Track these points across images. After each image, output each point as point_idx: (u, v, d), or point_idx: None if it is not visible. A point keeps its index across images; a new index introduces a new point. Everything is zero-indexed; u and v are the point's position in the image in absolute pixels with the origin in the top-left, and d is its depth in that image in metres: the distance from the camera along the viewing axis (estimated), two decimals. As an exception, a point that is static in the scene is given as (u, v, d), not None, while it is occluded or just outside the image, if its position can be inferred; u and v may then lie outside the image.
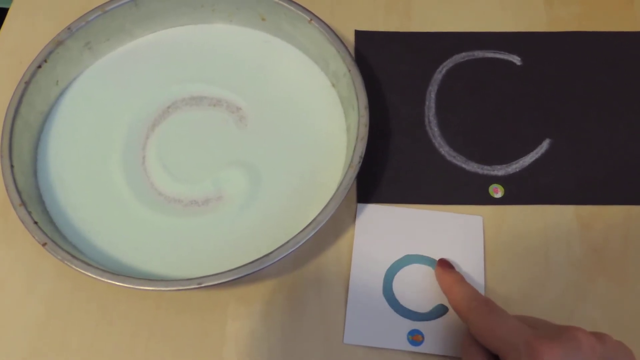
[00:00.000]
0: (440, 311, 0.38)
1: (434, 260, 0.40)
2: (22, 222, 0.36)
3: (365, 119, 0.39)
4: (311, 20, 0.42)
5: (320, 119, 0.43)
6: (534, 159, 0.43)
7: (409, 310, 0.38)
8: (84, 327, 0.38)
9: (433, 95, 0.46)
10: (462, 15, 0.49)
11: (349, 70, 0.41)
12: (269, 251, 0.35)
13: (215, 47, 0.46)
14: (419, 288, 0.39)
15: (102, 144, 0.43)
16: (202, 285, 0.34)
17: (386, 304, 0.38)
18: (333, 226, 0.41)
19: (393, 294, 0.39)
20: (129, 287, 0.34)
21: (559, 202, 0.42)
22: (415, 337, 0.37)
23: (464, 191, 0.42)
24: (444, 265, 0.38)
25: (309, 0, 0.46)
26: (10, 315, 0.38)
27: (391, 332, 0.37)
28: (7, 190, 0.37)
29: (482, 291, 0.39)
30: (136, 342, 0.38)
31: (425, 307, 0.38)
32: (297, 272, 0.40)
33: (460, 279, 0.37)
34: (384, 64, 0.47)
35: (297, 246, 0.35)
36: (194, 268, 0.37)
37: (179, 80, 0.45)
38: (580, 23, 0.49)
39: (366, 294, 0.39)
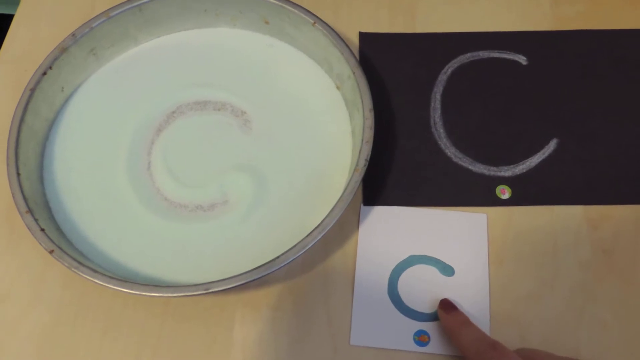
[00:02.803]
0: (446, 311, 0.38)
1: (438, 260, 0.40)
2: (29, 229, 0.36)
3: (370, 122, 0.39)
4: (315, 23, 0.42)
5: (325, 122, 0.43)
6: (541, 159, 0.43)
7: (415, 311, 0.38)
8: (91, 334, 0.38)
9: (438, 97, 0.45)
10: (466, 15, 0.49)
11: (354, 73, 0.41)
12: (276, 255, 0.35)
13: (219, 51, 0.46)
14: (423, 288, 0.39)
15: (107, 149, 0.43)
16: (210, 290, 0.34)
17: (391, 304, 0.38)
18: (339, 229, 0.41)
19: (398, 295, 0.39)
20: (136, 294, 0.34)
21: (567, 202, 0.41)
22: (421, 338, 0.37)
23: (470, 193, 0.42)
24: (447, 307, 0.37)
25: (312, 2, 0.46)
26: (16, 322, 0.38)
27: (397, 333, 0.37)
28: (13, 197, 0.37)
29: (486, 292, 0.39)
30: (143, 348, 0.38)
31: (430, 307, 0.38)
32: (303, 275, 0.40)
33: (466, 320, 0.36)
34: (389, 66, 0.47)
35: (304, 250, 0.35)
36: (201, 273, 0.37)
37: (184, 85, 0.45)
38: (586, 21, 0.48)
39: (371, 295, 0.39)
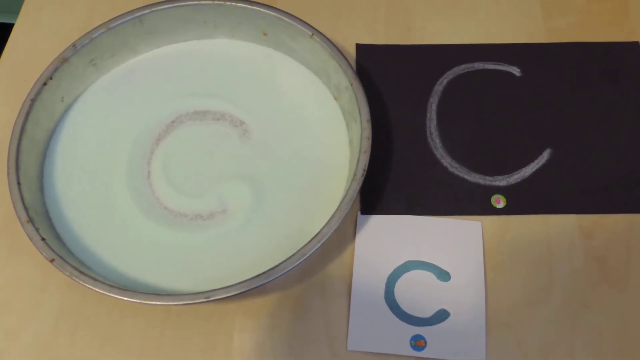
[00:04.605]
0: (442, 316, 0.38)
1: (434, 266, 0.40)
2: (30, 238, 0.37)
3: (367, 132, 0.39)
4: (312, 34, 0.43)
5: (323, 132, 0.44)
6: (535, 169, 0.44)
7: (411, 316, 0.39)
8: (91, 343, 0.38)
9: (434, 107, 0.46)
10: (461, 27, 0.50)
11: (351, 84, 0.41)
12: (275, 264, 0.35)
13: (218, 62, 0.47)
14: (420, 293, 0.39)
15: (107, 159, 0.43)
16: (210, 299, 0.34)
17: (388, 310, 0.39)
18: (336, 237, 0.41)
19: (395, 300, 0.39)
20: (137, 302, 0.35)
21: (561, 211, 0.42)
22: (418, 342, 0.38)
23: (466, 202, 0.42)
24: None
25: (310, 14, 0.46)
26: (17, 331, 0.39)
27: (394, 338, 0.38)
28: (14, 207, 0.38)
29: (482, 297, 0.39)
30: (144, 356, 0.38)
31: (427, 312, 0.39)
32: (301, 283, 0.40)
33: None
34: (385, 77, 0.47)
35: (303, 259, 0.35)
36: (201, 282, 0.38)
37: (183, 95, 0.45)
38: (578, 33, 0.49)
39: (368, 300, 0.39)
